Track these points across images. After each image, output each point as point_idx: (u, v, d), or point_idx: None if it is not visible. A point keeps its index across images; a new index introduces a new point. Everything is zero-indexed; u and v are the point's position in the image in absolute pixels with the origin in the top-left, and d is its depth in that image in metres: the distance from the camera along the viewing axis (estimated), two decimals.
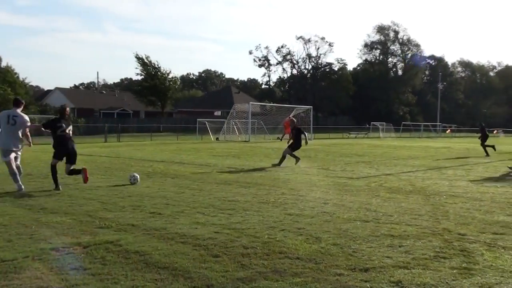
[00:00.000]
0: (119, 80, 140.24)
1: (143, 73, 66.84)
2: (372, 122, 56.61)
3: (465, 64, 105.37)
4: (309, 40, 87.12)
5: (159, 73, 66.46)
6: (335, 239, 6.02)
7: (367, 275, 4.68)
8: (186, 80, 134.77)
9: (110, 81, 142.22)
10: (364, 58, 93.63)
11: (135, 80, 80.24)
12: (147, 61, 66.21)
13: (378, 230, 6.56)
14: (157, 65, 66.70)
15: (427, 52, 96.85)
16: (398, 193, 10.04)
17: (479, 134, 23.58)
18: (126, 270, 4.76)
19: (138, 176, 11.04)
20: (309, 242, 5.87)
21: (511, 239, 6.14)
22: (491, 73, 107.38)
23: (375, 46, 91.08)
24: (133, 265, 4.90)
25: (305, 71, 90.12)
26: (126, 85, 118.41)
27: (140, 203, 8.47)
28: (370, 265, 5.01)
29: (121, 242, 5.76)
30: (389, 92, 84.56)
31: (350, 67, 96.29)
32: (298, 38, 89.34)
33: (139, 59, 65.94)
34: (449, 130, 51.42)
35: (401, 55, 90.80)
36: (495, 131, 35.57)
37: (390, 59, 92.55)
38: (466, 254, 5.44)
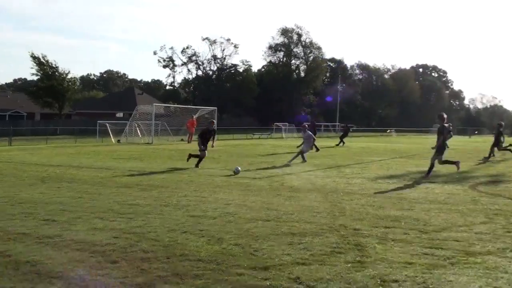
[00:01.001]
0: (11, 81, 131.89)
1: (39, 73, 63.18)
2: (275, 123, 57.78)
3: (363, 67, 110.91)
4: (214, 42, 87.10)
5: (56, 73, 63.13)
6: (237, 239, 6.08)
7: (267, 273, 4.77)
8: (86, 81, 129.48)
9: (2, 81, 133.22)
10: (268, 60, 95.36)
11: (30, 81, 75.47)
12: (43, 61, 62.62)
13: (279, 229, 6.71)
14: (55, 65, 63.35)
15: (327, 55, 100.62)
16: (299, 191, 10.34)
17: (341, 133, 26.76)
18: (14, 281, 4.48)
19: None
20: (210, 244, 5.87)
21: (400, 232, 6.55)
22: (386, 76, 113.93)
23: (279, 48, 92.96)
24: (23, 276, 4.62)
25: (210, 72, 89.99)
26: (20, 85, 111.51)
27: (32, 210, 8.00)
28: (270, 263, 5.11)
29: (10, 252, 5.41)
30: (292, 93, 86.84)
31: (254, 68, 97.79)
32: (203, 39, 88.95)
33: (34, 58, 62.26)
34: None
35: (304, 57, 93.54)
36: (388, 130, 37.89)
37: (293, 61, 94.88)
38: (360, 248, 5.73)
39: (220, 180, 12.29)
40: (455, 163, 14.30)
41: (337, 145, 30.81)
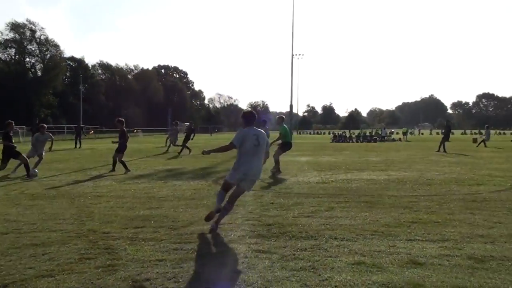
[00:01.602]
0: None
1: None
2: None
3: (105, 67, 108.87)
4: None
5: None
6: None
7: None
8: None
9: None
10: None
11: None
12: None
13: (19, 241, 6.11)
14: None
15: (67, 53, 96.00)
16: (42, 199, 9.60)
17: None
18: None
19: None
20: None
21: (150, 231, 6.63)
22: (130, 76, 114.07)
23: (10, 45, 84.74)
24: None
25: None
26: None
27: None
28: (10, 279, 4.61)
29: None
30: (29, 93, 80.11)
31: None
32: None
33: None
34: (92, 131, 52.13)
35: (40, 55, 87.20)
36: (134, 131, 37.97)
37: (28, 59, 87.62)
38: (110, 251, 5.60)
39: None
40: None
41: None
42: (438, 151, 25.69)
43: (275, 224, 7.04)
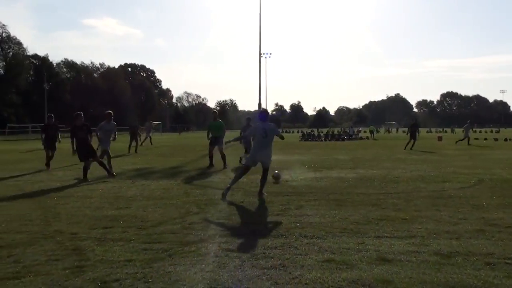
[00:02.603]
0: None
1: None
2: None
3: (70, 65, 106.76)
4: None
5: None
6: None
7: None
8: None
9: None
10: None
11: None
12: None
13: None
14: None
15: (30, 51, 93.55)
16: (6, 200, 9.36)
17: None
18: None
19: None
20: None
21: (119, 232, 6.54)
22: (95, 74, 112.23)
23: None
24: None
25: None
26: None
27: None
28: None
29: None
30: None
31: None
32: None
33: None
34: None
35: (2, 53, 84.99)
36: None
37: None
38: (78, 252, 5.50)
39: None
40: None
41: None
42: (405, 149, 26.16)
43: (245, 223, 7.04)
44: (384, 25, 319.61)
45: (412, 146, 26.46)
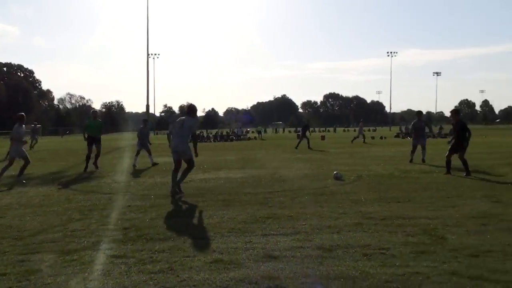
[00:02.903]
0: None
1: None
2: None
3: None
4: None
5: None
6: None
7: None
8: None
9: None
10: None
11: None
12: None
13: None
14: None
15: None
16: None
17: None
18: None
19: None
20: None
21: None
22: None
23: None
24: None
25: None
26: None
27: None
28: None
29: None
30: None
31: None
32: None
33: None
34: None
35: None
36: None
37: None
38: None
39: None
40: None
41: None
42: (296, 148, 27.12)
43: (132, 228, 6.85)
44: (271, 25, 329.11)
45: (308, 145, 27.64)
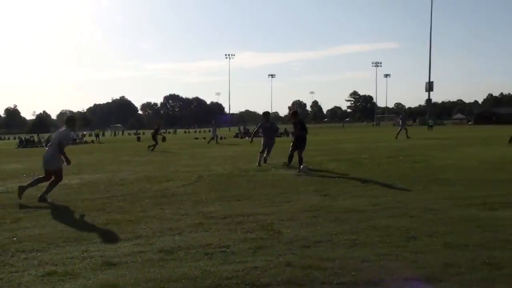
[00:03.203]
0: None
1: None
2: None
3: None
4: None
5: None
6: None
7: None
8: None
9: None
10: None
11: None
12: None
13: None
14: None
15: None
16: None
17: None
18: None
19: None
20: None
21: None
22: None
23: None
24: None
25: None
26: None
27: None
28: None
29: None
30: None
31: None
32: None
33: None
34: None
35: None
36: None
37: None
38: None
39: None
40: None
41: None
42: (152, 150, 27.40)
43: None
44: (111, 24, 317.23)
45: (153, 147, 27.92)
